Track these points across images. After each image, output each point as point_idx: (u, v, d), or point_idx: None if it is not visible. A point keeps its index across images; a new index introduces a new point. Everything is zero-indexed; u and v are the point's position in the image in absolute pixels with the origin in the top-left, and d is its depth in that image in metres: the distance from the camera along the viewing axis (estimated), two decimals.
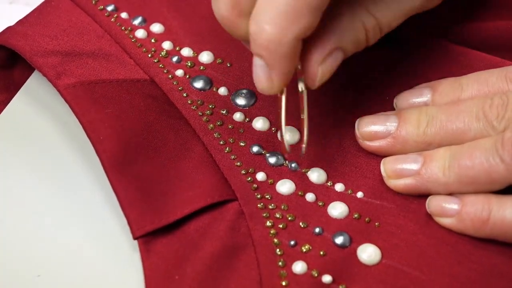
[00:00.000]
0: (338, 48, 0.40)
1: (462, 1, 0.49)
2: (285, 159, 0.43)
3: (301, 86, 0.41)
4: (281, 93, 0.40)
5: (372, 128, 0.43)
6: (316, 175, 0.43)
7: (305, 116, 0.42)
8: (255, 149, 0.44)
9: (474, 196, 0.40)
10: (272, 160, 0.43)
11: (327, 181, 0.43)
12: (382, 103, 0.45)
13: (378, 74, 0.46)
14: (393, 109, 0.45)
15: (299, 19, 0.37)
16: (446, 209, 0.40)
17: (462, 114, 0.41)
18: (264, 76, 0.39)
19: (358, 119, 0.44)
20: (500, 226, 0.39)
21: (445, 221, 0.40)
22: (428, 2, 0.44)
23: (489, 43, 0.48)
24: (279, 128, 0.43)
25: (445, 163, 0.40)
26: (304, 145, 0.42)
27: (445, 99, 0.43)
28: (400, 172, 0.41)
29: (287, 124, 0.42)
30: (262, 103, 0.46)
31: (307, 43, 0.39)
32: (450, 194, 0.40)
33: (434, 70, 0.46)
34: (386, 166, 0.42)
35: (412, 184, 0.41)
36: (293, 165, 0.43)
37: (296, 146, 0.44)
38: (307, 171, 0.43)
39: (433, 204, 0.41)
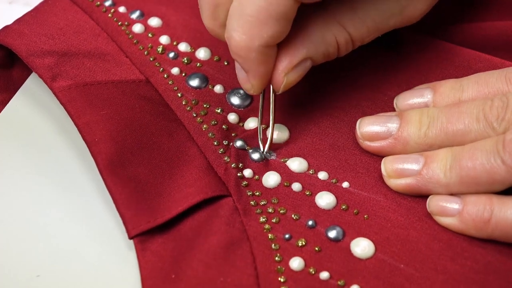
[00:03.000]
0: (307, 58, 0.41)
1: (462, 1, 0.49)
2: (263, 153, 0.43)
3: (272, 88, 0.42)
4: (263, 93, 0.42)
5: (373, 129, 0.43)
6: (296, 164, 0.43)
7: (271, 116, 0.43)
8: (238, 143, 0.44)
9: (475, 196, 0.39)
10: (255, 156, 0.43)
11: (308, 169, 0.43)
12: (381, 103, 0.45)
13: (377, 74, 0.46)
14: (392, 109, 0.45)
15: (264, 27, 0.38)
16: (447, 209, 0.40)
17: (463, 115, 0.41)
18: (243, 78, 0.41)
19: (359, 120, 0.43)
20: (502, 227, 0.39)
21: (446, 221, 0.40)
22: (403, 21, 0.44)
23: (489, 43, 0.48)
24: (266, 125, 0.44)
25: (446, 164, 0.40)
26: (267, 144, 0.43)
27: (445, 100, 0.43)
28: (401, 171, 0.41)
29: (276, 122, 0.44)
30: (257, 104, 0.45)
31: (278, 50, 0.40)
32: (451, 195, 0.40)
33: (433, 70, 0.46)
34: (387, 165, 0.42)
35: (413, 184, 0.41)
36: (272, 156, 0.43)
37: (281, 144, 0.44)
38: (286, 161, 0.43)
39: (433, 203, 0.40)
